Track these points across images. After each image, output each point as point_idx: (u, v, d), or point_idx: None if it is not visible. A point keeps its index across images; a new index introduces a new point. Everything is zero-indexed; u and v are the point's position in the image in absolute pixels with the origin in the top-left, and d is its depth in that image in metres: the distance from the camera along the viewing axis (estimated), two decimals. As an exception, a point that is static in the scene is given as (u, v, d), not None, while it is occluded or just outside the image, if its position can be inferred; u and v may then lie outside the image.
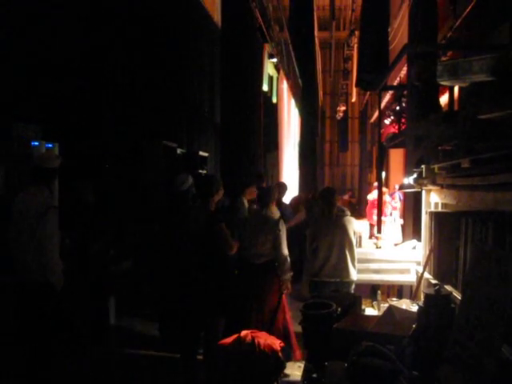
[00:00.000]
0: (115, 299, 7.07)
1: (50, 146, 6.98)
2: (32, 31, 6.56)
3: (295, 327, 6.25)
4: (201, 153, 10.50)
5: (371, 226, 14.70)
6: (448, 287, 3.90)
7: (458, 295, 3.60)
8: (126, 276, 6.94)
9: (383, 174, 13.68)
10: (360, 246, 6.92)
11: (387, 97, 14.09)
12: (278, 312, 5.65)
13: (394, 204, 15.03)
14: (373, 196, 15.47)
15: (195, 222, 5.11)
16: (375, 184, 16.19)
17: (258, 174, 8.87)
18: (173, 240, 5.32)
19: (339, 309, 3.54)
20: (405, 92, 7.52)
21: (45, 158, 4.68)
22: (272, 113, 14.80)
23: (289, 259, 5.68)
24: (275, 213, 5.87)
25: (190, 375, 5.07)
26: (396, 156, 16.54)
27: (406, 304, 4.20)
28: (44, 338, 4.54)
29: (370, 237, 9.86)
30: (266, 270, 5.68)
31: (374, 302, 4.82)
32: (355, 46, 18.63)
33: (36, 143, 6.77)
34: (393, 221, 14.41)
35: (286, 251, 5.68)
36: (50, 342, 4.56)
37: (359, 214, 16.16)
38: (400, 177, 13.54)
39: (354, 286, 5.95)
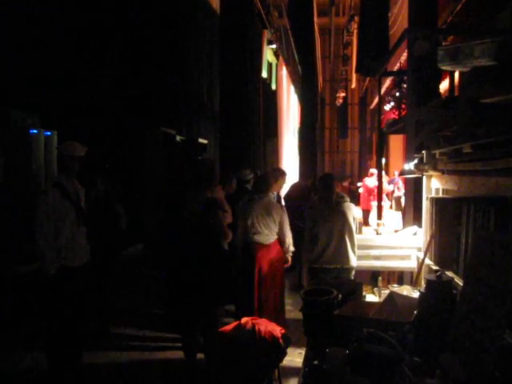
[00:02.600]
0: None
1: (49, 134, 6.96)
2: (31, 18, 6.52)
3: (296, 314, 6.29)
4: (200, 140, 10.48)
5: (366, 211, 14.71)
6: (449, 273, 3.89)
7: (459, 281, 3.59)
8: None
9: (383, 160, 13.67)
10: (360, 232, 6.90)
11: (387, 83, 14.06)
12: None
13: (396, 192, 15.03)
14: (372, 182, 15.43)
15: (191, 209, 5.10)
16: (371, 170, 16.16)
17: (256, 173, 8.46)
18: (172, 228, 5.32)
19: (340, 295, 3.53)
20: (405, 78, 7.49)
21: (66, 146, 4.69)
22: (271, 99, 14.76)
23: (291, 237, 6.25)
24: (273, 198, 6.42)
25: (190, 362, 5.10)
26: (396, 142, 16.55)
27: (407, 290, 4.19)
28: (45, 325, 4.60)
29: (365, 224, 9.83)
30: (275, 247, 6.11)
31: (375, 289, 4.81)
32: (355, 31, 18.58)
33: (35, 131, 6.75)
34: (394, 207, 14.44)
35: (290, 232, 6.21)
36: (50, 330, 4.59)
37: (359, 200, 16.15)
38: (400, 163, 13.53)
39: (354, 273, 5.96)
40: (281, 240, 6.16)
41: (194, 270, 4.99)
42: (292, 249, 6.27)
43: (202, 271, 4.98)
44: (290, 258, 6.30)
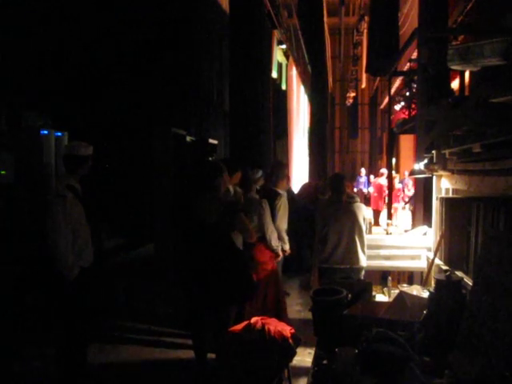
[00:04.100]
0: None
1: (60, 134, 7.00)
2: (40, 20, 6.56)
3: (306, 314, 6.29)
4: (210, 140, 10.49)
5: (376, 212, 14.65)
6: (459, 273, 3.89)
7: (469, 281, 3.59)
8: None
9: (393, 160, 13.63)
10: (370, 232, 6.90)
11: (397, 82, 14.02)
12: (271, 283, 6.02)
13: (406, 192, 14.99)
14: (382, 181, 15.40)
15: (204, 211, 5.08)
16: (381, 170, 16.13)
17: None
18: (184, 229, 5.31)
19: (349, 295, 3.53)
20: (415, 77, 7.47)
21: (74, 147, 4.67)
22: (281, 100, 14.75)
23: (275, 233, 6.07)
24: (255, 196, 6.29)
25: (200, 361, 5.11)
26: (406, 142, 16.49)
27: (416, 290, 4.19)
28: (57, 326, 4.60)
29: (376, 224, 9.80)
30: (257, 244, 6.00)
31: (385, 289, 4.81)
32: (365, 31, 18.54)
33: (45, 132, 6.79)
34: (405, 207, 14.40)
35: (270, 227, 6.02)
36: (64, 330, 4.60)
37: (369, 200, 16.12)
38: (410, 163, 13.49)
39: (363, 273, 5.95)
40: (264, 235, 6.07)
41: (206, 270, 4.99)
42: (276, 243, 6.12)
43: (214, 271, 4.97)
44: (280, 252, 6.19)
